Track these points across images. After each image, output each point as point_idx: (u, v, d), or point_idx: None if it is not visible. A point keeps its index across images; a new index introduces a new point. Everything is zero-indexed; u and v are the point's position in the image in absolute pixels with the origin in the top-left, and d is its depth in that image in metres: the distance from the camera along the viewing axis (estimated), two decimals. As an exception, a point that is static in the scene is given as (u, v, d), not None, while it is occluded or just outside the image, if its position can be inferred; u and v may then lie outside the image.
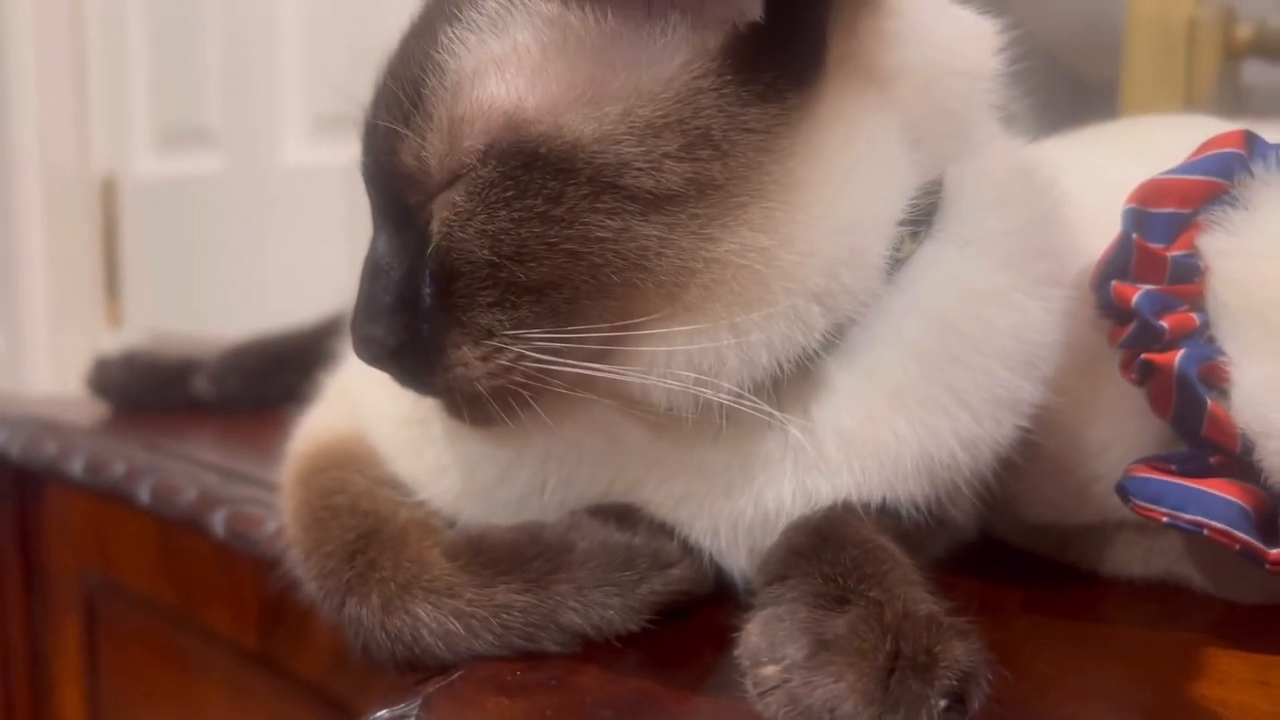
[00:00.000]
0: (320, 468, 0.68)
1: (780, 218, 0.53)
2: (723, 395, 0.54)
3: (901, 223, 0.59)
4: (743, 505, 0.60)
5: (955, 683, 0.47)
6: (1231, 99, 1.19)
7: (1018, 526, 0.74)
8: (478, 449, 0.63)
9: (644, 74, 0.51)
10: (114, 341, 2.44)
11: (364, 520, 0.62)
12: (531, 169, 0.51)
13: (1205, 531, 0.58)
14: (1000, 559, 0.74)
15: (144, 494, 1.03)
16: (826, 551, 0.55)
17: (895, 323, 0.60)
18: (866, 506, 0.60)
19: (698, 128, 0.51)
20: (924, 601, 0.52)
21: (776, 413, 0.55)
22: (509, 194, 0.51)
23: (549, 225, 0.51)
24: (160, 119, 2.41)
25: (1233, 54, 1.16)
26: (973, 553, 0.74)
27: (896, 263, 0.60)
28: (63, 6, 2.44)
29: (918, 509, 0.62)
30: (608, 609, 0.58)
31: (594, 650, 0.58)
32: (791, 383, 0.59)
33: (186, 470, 1.04)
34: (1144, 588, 0.69)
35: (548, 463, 0.62)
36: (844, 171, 0.54)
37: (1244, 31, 1.15)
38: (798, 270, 0.54)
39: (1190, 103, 1.16)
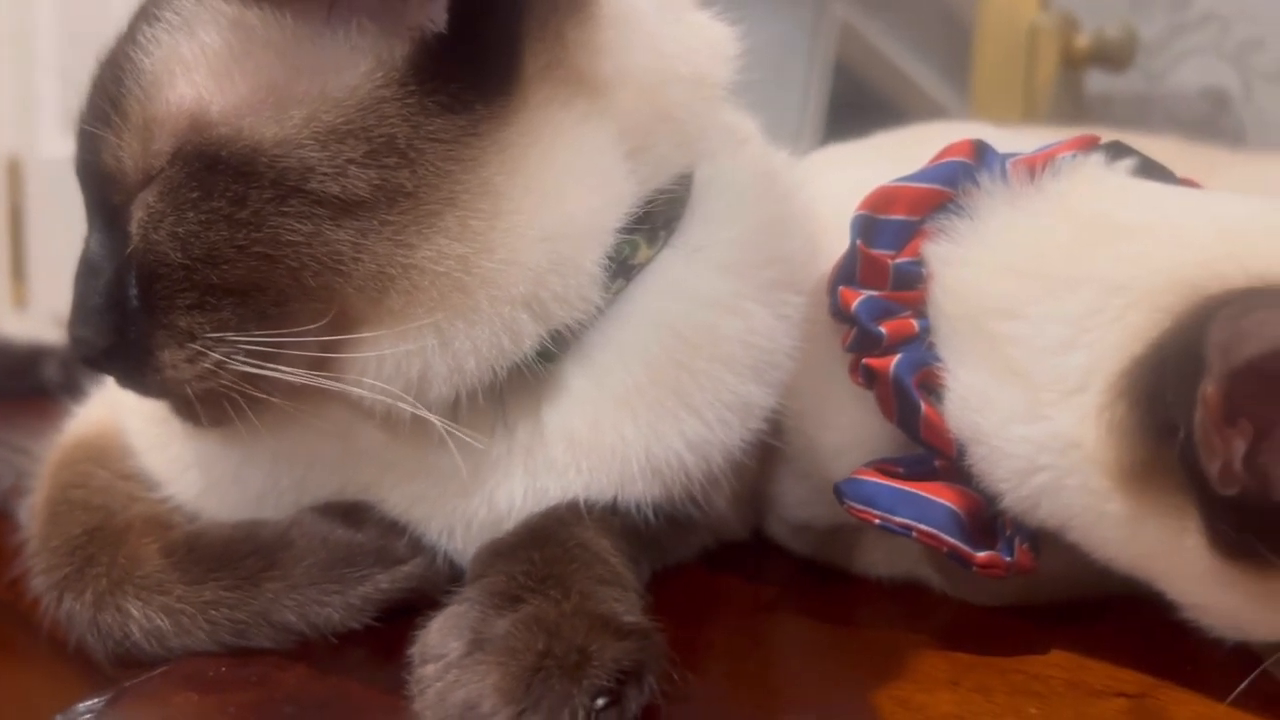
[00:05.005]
0: (71, 460, 0.68)
1: (477, 226, 0.53)
2: (407, 404, 0.54)
3: (635, 229, 0.59)
4: (476, 505, 0.61)
5: (609, 682, 0.47)
6: (1073, 107, 1.22)
7: (782, 527, 0.75)
8: (212, 448, 0.63)
9: (330, 80, 0.51)
10: (19, 325, 2.41)
11: (92, 516, 0.62)
12: (214, 171, 0.51)
13: (914, 534, 0.59)
14: (764, 559, 0.76)
15: (-39, 483, 1.02)
16: (522, 550, 0.55)
17: (625, 328, 0.60)
18: (592, 506, 0.61)
19: (382, 135, 0.51)
20: (606, 601, 0.53)
21: (434, 422, 0.55)
22: (195, 195, 0.51)
23: (236, 228, 0.51)
24: (67, 100, 2.37)
25: (1072, 62, 1.18)
26: (738, 552, 0.75)
27: (632, 268, 0.61)
28: (-33, -14, 2.40)
29: (648, 510, 0.62)
30: (325, 606, 0.58)
31: (313, 648, 0.58)
32: (525, 386, 0.60)
33: (7, 458, 1.03)
34: (894, 589, 0.70)
35: (279, 464, 0.62)
36: (549, 180, 0.55)
37: (1082, 40, 1.17)
38: (500, 278, 0.54)
39: (1030, 109, 1.18)
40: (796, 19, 1.58)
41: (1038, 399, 0.57)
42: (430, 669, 0.49)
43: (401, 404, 0.54)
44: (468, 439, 0.56)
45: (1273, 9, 1.26)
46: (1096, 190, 0.61)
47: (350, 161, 0.51)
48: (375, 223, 0.52)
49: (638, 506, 0.62)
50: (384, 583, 0.60)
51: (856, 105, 1.58)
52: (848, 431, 0.66)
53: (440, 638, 0.50)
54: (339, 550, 0.59)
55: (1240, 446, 0.47)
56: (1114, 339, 0.55)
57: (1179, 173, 0.73)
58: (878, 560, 0.70)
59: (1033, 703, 0.55)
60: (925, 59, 1.61)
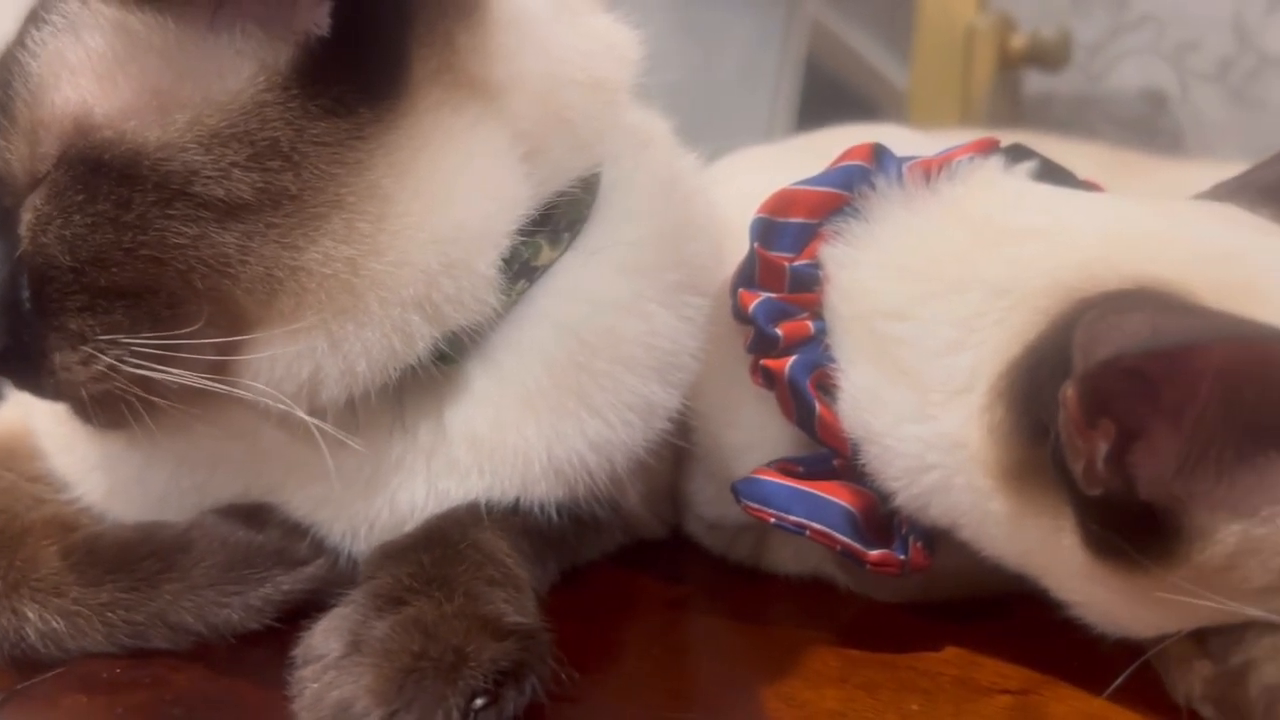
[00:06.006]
0: (-22, 463, 0.68)
1: (364, 229, 0.53)
2: (285, 406, 0.55)
3: (536, 231, 0.60)
4: (378, 507, 0.61)
5: (485, 683, 0.48)
6: (1010, 107, 1.23)
7: (698, 525, 0.76)
8: (116, 450, 0.63)
9: (214, 84, 0.52)
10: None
11: (-8, 519, 0.62)
12: (99, 174, 0.51)
13: (807, 533, 0.60)
14: (681, 557, 0.76)
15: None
16: (412, 552, 0.56)
17: (526, 330, 0.61)
18: (494, 507, 0.61)
19: (265, 139, 0.51)
20: (494, 602, 0.53)
21: (309, 424, 0.55)
22: (80, 199, 0.52)
23: (122, 231, 0.52)
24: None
25: (1008, 63, 1.19)
26: (656, 550, 0.76)
27: (535, 270, 0.61)
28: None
29: (552, 510, 0.63)
30: (224, 607, 0.58)
31: (213, 649, 0.59)
32: (428, 388, 0.60)
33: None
34: (806, 587, 0.71)
35: (181, 466, 0.63)
36: (438, 183, 0.55)
37: (1018, 41, 1.18)
38: (390, 280, 0.54)
39: (967, 110, 1.19)
40: (769, 16, 1.59)
41: (926, 399, 0.58)
42: (309, 670, 0.49)
43: (279, 405, 0.54)
44: (346, 441, 0.56)
45: (1208, 10, 1.27)
46: (990, 194, 0.62)
47: (234, 165, 0.51)
48: (261, 225, 0.52)
49: (541, 507, 0.63)
50: (285, 584, 0.60)
51: (828, 100, 1.60)
52: (751, 431, 0.67)
53: (321, 639, 0.51)
54: (239, 551, 0.60)
55: (1102, 447, 0.48)
56: (997, 341, 0.55)
57: (1103, 178, 0.74)
58: (786, 558, 0.71)
59: (916, 699, 0.56)
60: (895, 55, 1.62)
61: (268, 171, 0.52)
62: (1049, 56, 1.17)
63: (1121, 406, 0.49)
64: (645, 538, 0.76)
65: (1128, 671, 0.54)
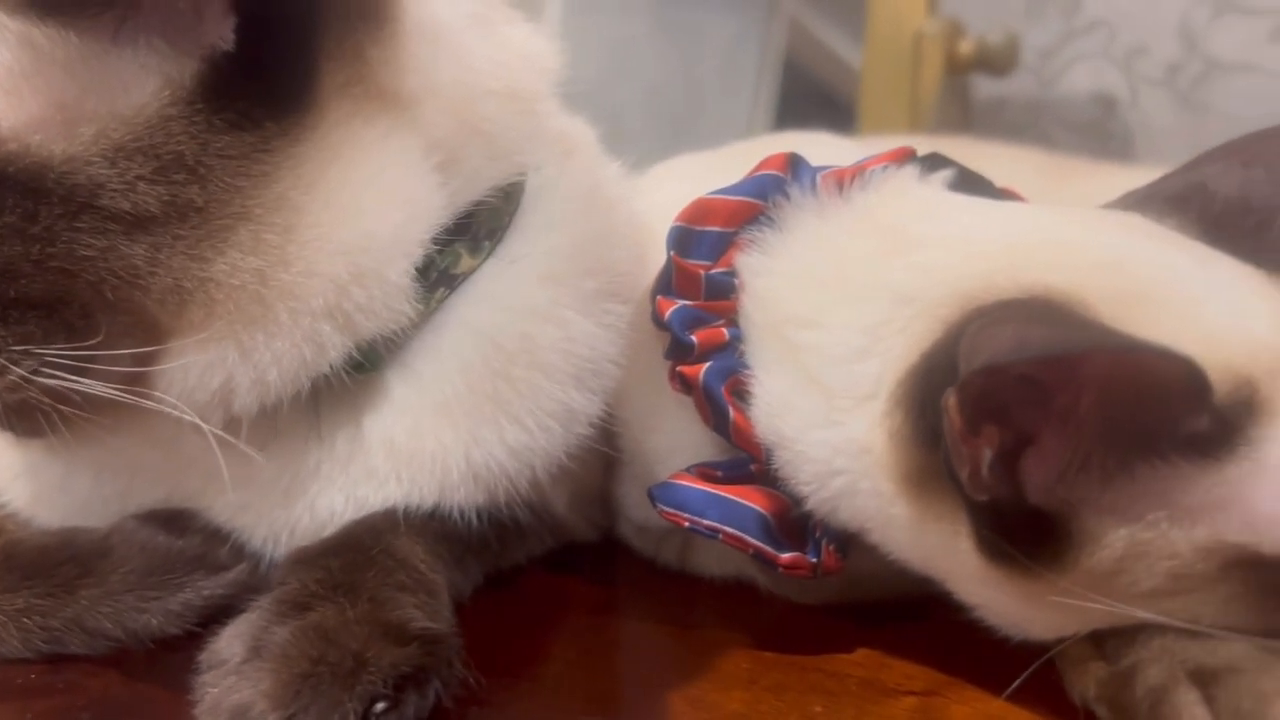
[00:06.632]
0: (-96, 471, 0.68)
1: (272, 240, 0.54)
2: (202, 423, 0.55)
3: (455, 239, 0.61)
4: (299, 514, 0.62)
5: (385, 688, 0.49)
6: (959, 112, 1.24)
7: (628, 528, 0.77)
8: (39, 456, 0.64)
9: (119, 98, 0.52)
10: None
11: (-89, 526, 0.62)
12: (4, 187, 0.51)
13: (720, 536, 0.61)
14: (613, 560, 0.77)
15: None
16: (321, 558, 0.57)
17: (446, 337, 0.62)
18: (411, 513, 0.62)
19: (170, 153, 0.52)
20: (402, 607, 0.54)
21: (221, 437, 0.56)
22: None
23: (30, 243, 0.52)
24: None
25: (956, 68, 1.20)
26: (587, 553, 0.77)
27: (455, 278, 0.62)
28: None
29: (471, 514, 0.64)
30: (144, 613, 0.59)
31: (132, 655, 0.59)
32: (347, 396, 0.61)
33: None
34: (734, 590, 0.72)
35: (103, 473, 0.63)
36: (348, 194, 0.56)
37: (966, 46, 1.19)
38: (299, 290, 0.55)
39: (916, 115, 1.20)
40: (748, 17, 1.60)
41: (834, 405, 0.58)
42: (210, 675, 0.50)
43: (187, 417, 0.55)
44: (252, 455, 0.57)
45: (1156, 16, 1.28)
46: (901, 202, 0.63)
47: (139, 178, 0.52)
48: (168, 238, 0.53)
49: (461, 512, 0.63)
50: (205, 589, 0.61)
51: (807, 100, 1.61)
52: (673, 435, 0.68)
53: (225, 645, 0.52)
54: (158, 557, 0.60)
55: (987, 454, 0.49)
56: (901, 349, 0.56)
57: (1041, 183, 0.75)
58: (710, 561, 0.72)
59: (820, 701, 0.56)
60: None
61: (173, 185, 0.52)
62: (996, 62, 1.18)
63: (1017, 413, 0.50)
64: (576, 541, 0.77)
65: (1026, 674, 0.55)
